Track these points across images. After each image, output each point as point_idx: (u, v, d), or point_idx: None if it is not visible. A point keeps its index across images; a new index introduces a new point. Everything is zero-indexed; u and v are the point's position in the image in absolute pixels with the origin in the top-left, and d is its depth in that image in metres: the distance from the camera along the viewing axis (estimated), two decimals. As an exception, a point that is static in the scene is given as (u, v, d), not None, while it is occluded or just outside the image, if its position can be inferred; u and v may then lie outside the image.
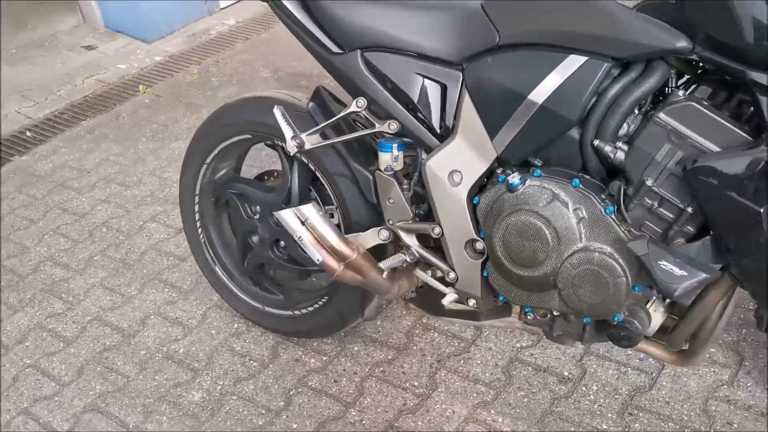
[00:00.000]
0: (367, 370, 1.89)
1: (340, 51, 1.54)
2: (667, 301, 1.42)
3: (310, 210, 1.62)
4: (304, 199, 1.77)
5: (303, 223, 1.62)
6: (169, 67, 3.83)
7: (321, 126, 1.60)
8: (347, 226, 1.72)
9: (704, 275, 1.19)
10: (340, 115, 1.57)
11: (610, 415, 1.68)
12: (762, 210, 1.12)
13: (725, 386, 1.70)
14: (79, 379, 1.96)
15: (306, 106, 1.69)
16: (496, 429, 1.68)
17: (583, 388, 1.75)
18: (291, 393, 1.85)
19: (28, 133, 3.34)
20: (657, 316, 1.42)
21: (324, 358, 1.94)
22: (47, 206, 2.75)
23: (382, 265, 1.59)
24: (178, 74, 3.76)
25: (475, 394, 1.78)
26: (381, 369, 1.88)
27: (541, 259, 1.35)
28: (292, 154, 1.62)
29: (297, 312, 1.92)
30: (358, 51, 1.51)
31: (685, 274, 1.18)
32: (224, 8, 4.36)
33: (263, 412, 1.81)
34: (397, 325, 2.01)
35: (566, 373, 1.80)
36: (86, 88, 3.69)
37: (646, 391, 1.72)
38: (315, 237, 1.62)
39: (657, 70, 1.23)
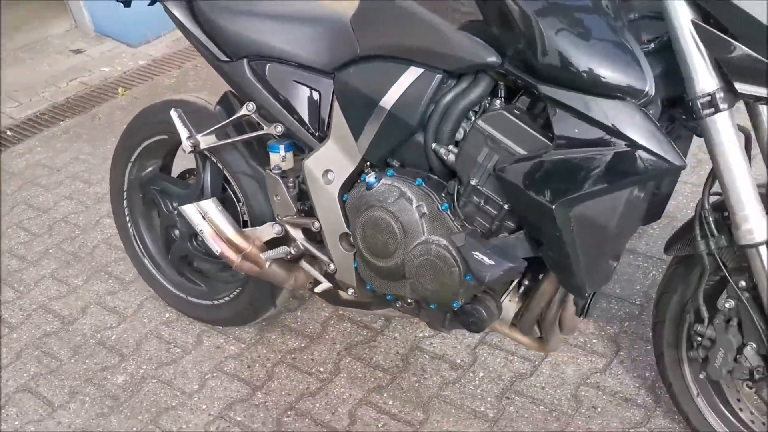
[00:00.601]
0: (279, 356, 2.01)
1: (227, 59, 1.66)
2: (521, 290, 1.52)
3: (209, 205, 1.76)
4: (215, 195, 1.90)
5: (204, 218, 1.76)
6: (151, 71, 3.99)
7: (214, 128, 1.73)
8: (252, 221, 1.84)
9: (510, 265, 1.29)
10: (231, 119, 1.70)
11: (489, 399, 1.78)
12: (554, 207, 1.22)
13: (598, 374, 1.80)
14: (17, 362, 2.11)
15: (214, 110, 1.82)
16: (384, 411, 1.79)
17: (471, 374, 1.86)
18: (206, 377, 1.98)
19: (8, 132, 3.52)
20: (512, 305, 1.53)
21: (242, 345, 2.07)
22: (15, 201, 2.93)
23: (263, 256, 1.71)
24: (158, 78, 3.92)
25: (372, 379, 1.89)
26: (292, 356, 2.01)
27: (392, 251, 1.46)
28: (187, 153, 1.75)
29: (215, 302, 2.05)
30: (245, 60, 1.64)
31: (492, 263, 1.28)
32: None
33: (178, 394, 1.94)
34: (315, 315, 2.13)
35: (458, 361, 1.90)
36: (69, 90, 3.87)
37: (527, 378, 1.82)
38: (214, 230, 1.76)
39: (481, 81, 1.33)
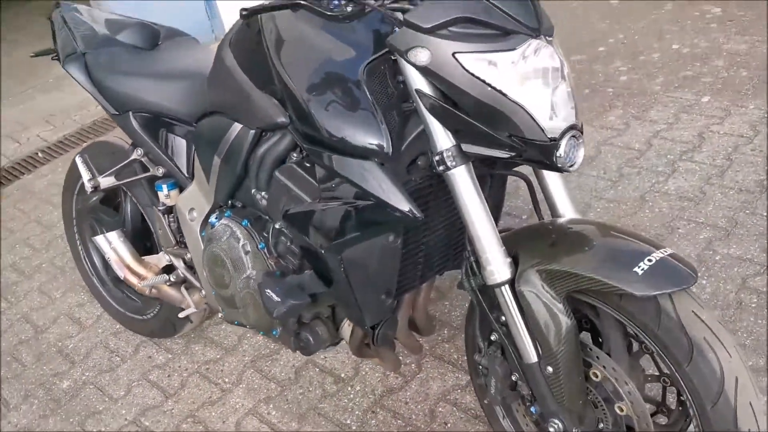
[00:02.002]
0: (196, 367, 2.25)
1: (116, 112, 1.91)
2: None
3: (113, 236, 2.03)
4: (136, 225, 2.16)
5: (110, 247, 2.02)
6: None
7: (112, 170, 1.98)
8: (161, 248, 2.08)
9: (292, 302, 1.45)
10: (123, 163, 1.95)
11: (357, 412, 1.94)
12: (323, 251, 1.38)
13: (459, 390, 1.91)
14: (-10, 367, 2.47)
15: (127, 150, 2.08)
16: (266, 421, 1.99)
17: (349, 388, 2.02)
18: (133, 384, 2.24)
19: (39, 154, 3.97)
20: (348, 329, 1.68)
21: (169, 356, 2.32)
22: (28, 219, 3.33)
23: (141, 283, 1.95)
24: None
25: (265, 391, 2.09)
26: (206, 366, 2.24)
27: (227, 283, 1.65)
28: (89, 192, 2.01)
29: (145, 317, 2.31)
30: (130, 113, 1.88)
31: (279, 300, 1.45)
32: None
33: (106, 399, 2.21)
34: (235, 328, 2.36)
35: (342, 375, 2.07)
36: (97, 113, 4.27)
37: (396, 392, 1.96)
38: (119, 258, 2.02)
39: (285, 137, 1.48)
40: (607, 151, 2.73)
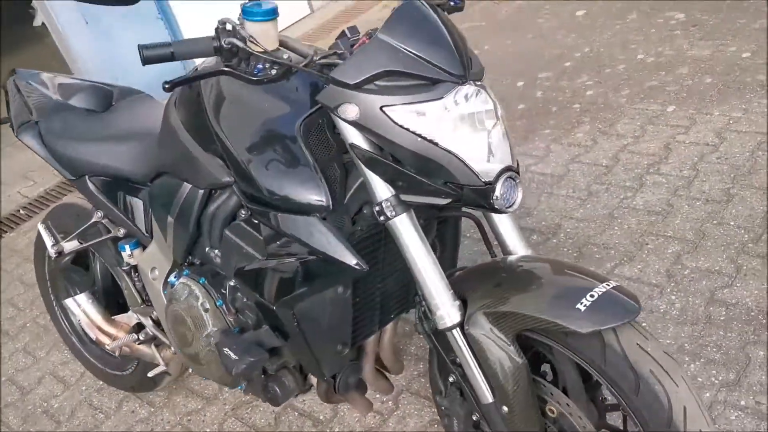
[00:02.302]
0: (178, 419, 2.25)
1: (72, 177, 1.92)
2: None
3: (82, 298, 2.04)
4: (106, 284, 2.17)
5: (79, 309, 2.03)
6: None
7: (74, 234, 2.00)
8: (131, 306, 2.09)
9: (251, 359, 1.46)
10: (85, 226, 1.96)
11: (335, 456, 1.94)
12: (274, 307, 1.39)
13: (436, 425, 1.91)
14: (-24, 433, 2.47)
15: (92, 211, 2.09)
16: (247, 471, 1.99)
17: (327, 431, 2.02)
18: (117, 441, 2.25)
19: (21, 211, 3.99)
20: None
21: (151, 409, 2.32)
22: (11, 278, 3.34)
23: (111, 344, 1.96)
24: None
25: (246, 439, 2.10)
26: (188, 418, 2.24)
27: (190, 341, 1.66)
28: (53, 258, 2.03)
29: (125, 372, 2.32)
30: (86, 177, 1.89)
31: (236, 358, 1.46)
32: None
33: (90, 458, 2.22)
34: (217, 376, 2.36)
35: (321, 417, 2.07)
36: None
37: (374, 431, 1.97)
38: (88, 319, 2.03)
39: (233, 195, 1.50)
40: (576, 169, 2.75)
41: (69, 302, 2.05)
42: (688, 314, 1.99)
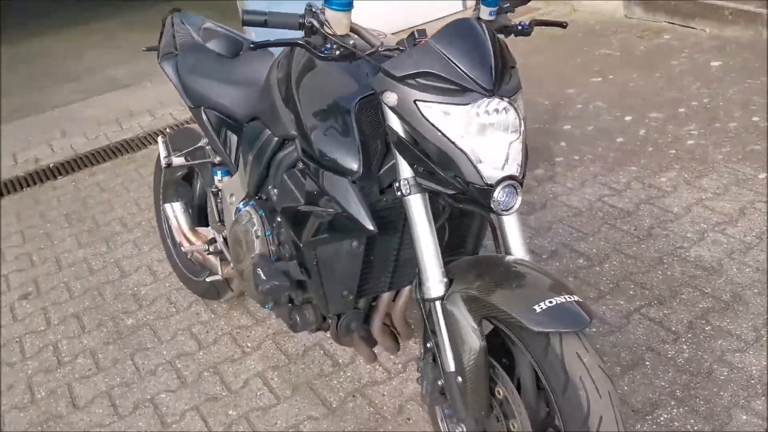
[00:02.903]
0: (229, 329, 2.62)
1: (192, 106, 2.31)
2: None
3: (177, 206, 2.45)
4: (202, 198, 2.58)
5: (173, 215, 2.45)
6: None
7: (183, 152, 2.40)
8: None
9: (275, 283, 1.75)
10: (192, 148, 2.36)
11: (341, 393, 2.22)
12: (301, 245, 1.68)
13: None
14: (78, 296, 2.99)
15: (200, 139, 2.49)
16: (269, 386, 2.32)
17: (341, 373, 2.30)
18: (178, 333, 2.65)
19: (167, 130, 4.56)
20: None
21: (212, 316, 2.71)
22: (144, 182, 3.88)
23: (184, 248, 2.34)
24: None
25: (275, 360, 2.42)
26: (237, 330, 2.61)
27: (241, 259, 2.00)
28: (163, 167, 2.44)
29: (198, 279, 2.73)
30: (202, 108, 2.28)
31: (264, 279, 1.77)
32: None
33: (155, 340, 2.64)
34: (272, 305, 2.71)
35: (340, 361, 2.36)
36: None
37: (377, 385, 2.22)
38: (177, 225, 2.44)
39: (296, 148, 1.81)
40: (645, 210, 2.83)
41: (167, 207, 2.47)
42: (692, 365, 2.08)
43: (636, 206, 2.87)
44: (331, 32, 1.47)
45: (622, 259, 2.57)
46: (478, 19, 1.59)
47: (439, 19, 5.61)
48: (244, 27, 1.48)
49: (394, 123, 1.48)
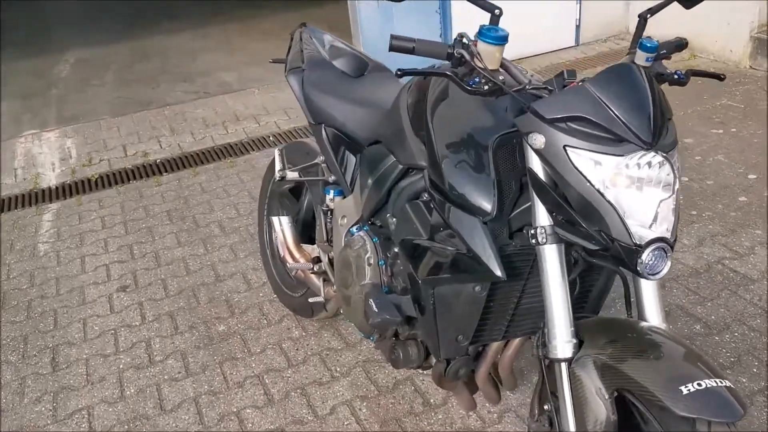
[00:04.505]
0: (319, 349, 2.57)
1: (313, 122, 2.29)
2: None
3: (284, 220, 2.43)
4: (308, 213, 2.56)
5: (279, 227, 2.43)
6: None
7: (297, 167, 2.38)
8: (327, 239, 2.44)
9: (386, 317, 1.69)
10: (308, 164, 2.33)
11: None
12: (420, 281, 1.60)
13: None
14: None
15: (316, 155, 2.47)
16: (357, 417, 2.25)
17: (432, 413, 2.21)
18: (268, 346, 2.63)
19: (270, 138, 4.62)
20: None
21: (303, 333, 2.68)
22: (243, 188, 3.93)
23: (289, 264, 2.30)
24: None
25: (365, 389, 2.35)
26: (327, 352, 2.56)
27: (349, 284, 1.94)
28: (277, 180, 2.42)
29: (294, 294, 2.70)
30: (323, 125, 2.25)
31: (376, 311, 1.70)
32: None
33: (245, 351, 2.63)
34: (364, 330, 2.65)
35: (432, 401, 2.27)
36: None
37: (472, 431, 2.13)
38: (283, 238, 2.42)
39: (422, 179, 1.72)
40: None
41: (274, 219, 2.45)
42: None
43: (761, 274, 2.67)
44: (481, 65, 1.40)
45: (744, 331, 2.38)
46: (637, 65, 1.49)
47: (549, 52, 5.50)
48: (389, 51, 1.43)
49: (537, 166, 1.40)
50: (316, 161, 2.30)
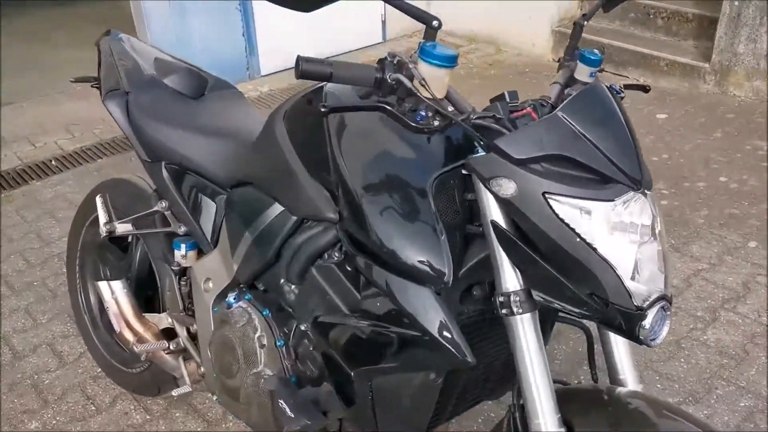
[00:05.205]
0: (174, 436, 2.08)
1: (148, 159, 1.78)
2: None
3: (117, 286, 1.87)
4: (142, 274, 2.02)
5: (111, 296, 1.87)
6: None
7: (130, 218, 1.84)
8: (164, 306, 1.93)
9: (306, 422, 1.29)
10: (145, 212, 1.81)
11: None
12: (352, 373, 1.23)
13: None
14: (-45, 389, 2.29)
15: (150, 194, 1.94)
16: None
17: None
18: (104, 441, 2.07)
19: (53, 162, 3.84)
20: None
21: (147, 417, 2.14)
22: (28, 229, 3.18)
23: (136, 345, 1.79)
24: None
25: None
26: (186, 438, 2.07)
27: (234, 372, 1.50)
28: (102, 236, 1.87)
29: (131, 370, 2.15)
30: (162, 162, 1.75)
31: (292, 416, 1.29)
32: (264, 76, 4.77)
33: (72, 453, 2.04)
34: (225, 400, 2.18)
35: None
36: (117, 130, 4.11)
37: None
38: (118, 310, 1.86)
39: (329, 231, 1.34)
40: None
41: (102, 286, 1.89)
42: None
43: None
44: (427, 95, 1.07)
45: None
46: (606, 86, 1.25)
47: (357, 50, 5.27)
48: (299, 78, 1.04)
49: (500, 217, 1.09)
50: (156, 208, 1.78)
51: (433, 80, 1.07)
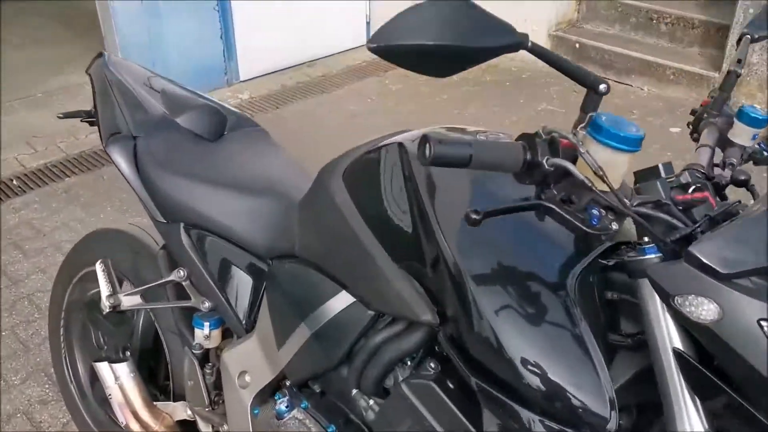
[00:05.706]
0: None
1: (163, 221, 1.46)
2: None
3: (123, 369, 1.55)
4: (145, 345, 1.69)
5: (116, 381, 1.55)
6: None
7: (140, 288, 1.52)
8: (176, 391, 1.61)
9: None
10: (158, 282, 1.49)
11: None
12: None
13: None
14: None
15: (156, 252, 1.62)
16: None
17: None
18: None
19: (14, 182, 3.43)
20: None
21: (152, 507, 1.83)
22: (-8, 265, 2.80)
23: None
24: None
25: None
26: None
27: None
28: (105, 312, 1.54)
29: (131, 452, 1.82)
30: (181, 224, 1.43)
31: None
32: (243, 81, 4.41)
33: None
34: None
35: None
36: (86, 143, 3.75)
37: None
38: (123, 398, 1.54)
39: (418, 330, 1.08)
40: None
41: (103, 368, 1.56)
42: None
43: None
44: (604, 188, 0.80)
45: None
46: None
47: (342, 52, 4.95)
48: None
49: (686, 345, 0.84)
50: (173, 278, 1.46)
51: (611, 168, 0.80)
